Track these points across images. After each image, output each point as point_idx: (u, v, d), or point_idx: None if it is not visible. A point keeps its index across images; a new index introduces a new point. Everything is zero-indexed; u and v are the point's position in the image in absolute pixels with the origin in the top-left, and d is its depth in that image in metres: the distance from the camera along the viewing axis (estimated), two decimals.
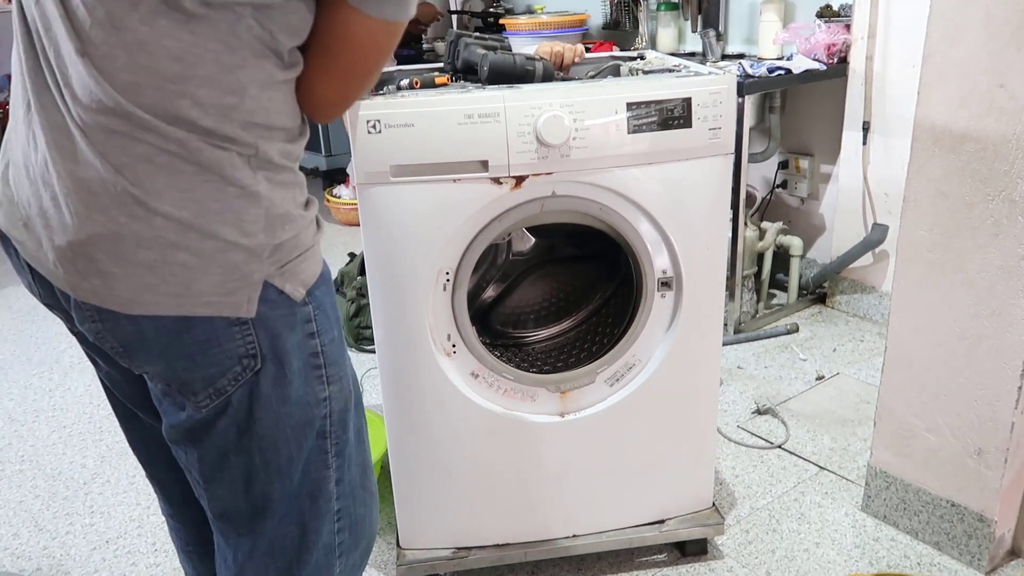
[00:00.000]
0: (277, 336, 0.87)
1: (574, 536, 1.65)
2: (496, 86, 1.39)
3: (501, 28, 3.41)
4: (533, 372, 1.57)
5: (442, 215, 1.36)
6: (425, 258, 1.39)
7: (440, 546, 1.62)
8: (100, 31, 0.75)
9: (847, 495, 1.91)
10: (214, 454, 0.92)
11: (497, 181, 1.35)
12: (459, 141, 1.32)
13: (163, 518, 2.00)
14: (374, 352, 1.90)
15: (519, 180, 1.36)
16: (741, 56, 2.88)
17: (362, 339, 2.76)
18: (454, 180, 1.34)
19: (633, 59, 1.69)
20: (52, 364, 2.81)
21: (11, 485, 2.13)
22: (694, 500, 1.69)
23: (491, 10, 3.97)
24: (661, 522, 1.68)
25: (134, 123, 0.77)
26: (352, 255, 3.12)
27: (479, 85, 1.42)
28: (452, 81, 1.50)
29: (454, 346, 1.47)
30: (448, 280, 1.42)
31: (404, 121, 1.29)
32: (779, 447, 2.12)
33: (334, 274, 3.11)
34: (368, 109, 1.29)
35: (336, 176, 4.56)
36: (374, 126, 1.29)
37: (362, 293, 2.78)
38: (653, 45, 3.21)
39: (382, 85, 1.47)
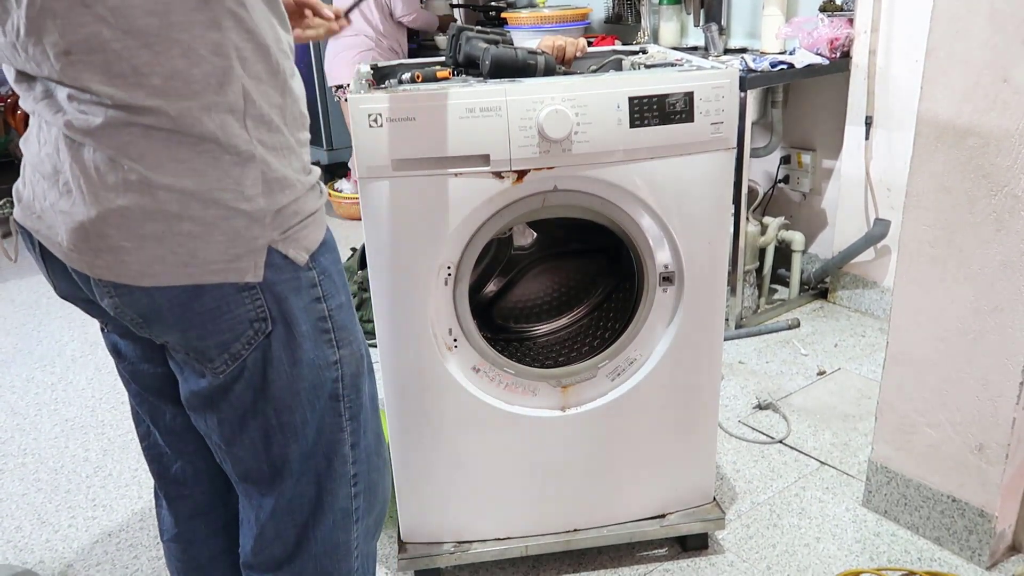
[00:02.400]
0: (284, 300, 0.91)
1: (575, 530, 1.65)
2: (498, 80, 1.38)
3: (503, 22, 3.40)
4: (535, 367, 1.57)
5: (444, 209, 1.36)
6: (426, 252, 1.38)
7: (441, 539, 1.62)
8: (78, 38, 0.79)
9: (848, 490, 1.92)
10: (233, 417, 0.96)
11: (499, 175, 1.35)
12: (461, 135, 1.31)
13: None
14: (375, 346, 1.90)
15: (521, 174, 1.36)
16: (743, 50, 2.87)
17: (364, 334, 2.76)
18: (455, 174, 1.34)
19: (635, 53, 1.69)
20: (54, 358, 2.82)
21: (14, 478, 2.14)
22: (695, 495, 1.69)
23: (493, 4, 3.96)
24: (662, 516, 1.68)
25: (130, 110, 0.81)
26: (354, 250, 3.12)
27: (481, 79, 1.42)
28: (453, 75, 1.50)
29: (455, 340, 1.47)
30: (450, 274, 1.42)
31: (405, 115, 1.29)
32: (780, 442, 2.12)
33: None
34: (370, 103, 1.29)
35: (338, 170, 4.56)
36: (375, 120, 1.29)
37: (364, 287, 2.77)
38: (655, 39, 3.20)
39: (384, 79, 1.47)
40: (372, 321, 1.47)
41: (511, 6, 3.85)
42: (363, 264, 2.83)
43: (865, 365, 2.49)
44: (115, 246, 0.84)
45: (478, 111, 1.31)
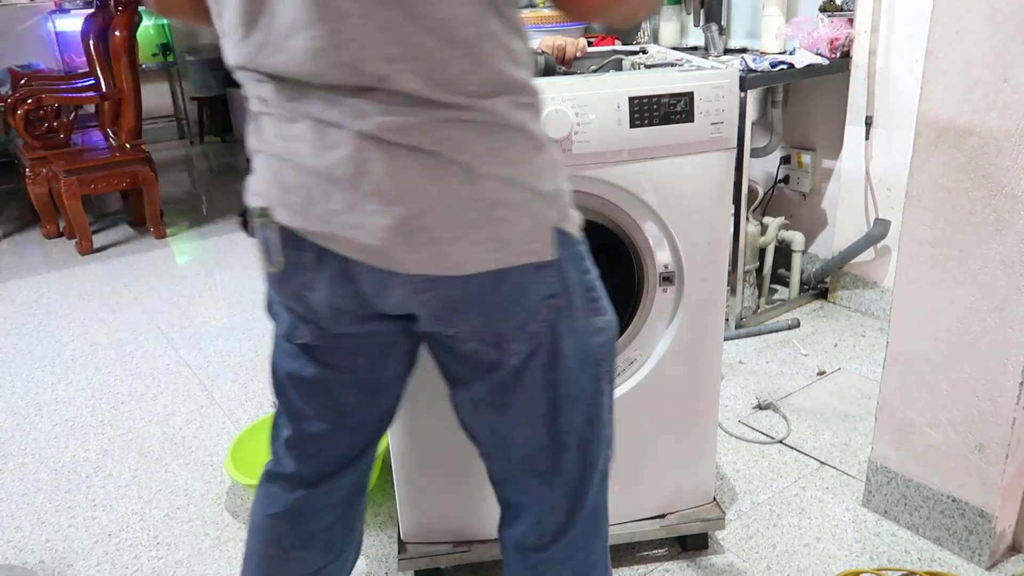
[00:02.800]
0: (568, 274, 0.96)
1: None
2: None
3: None
4: None
5: None
6: None
7: (441, 539, 1.62)
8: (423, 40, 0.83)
9: (848, 490, 1.92)
10: (522, 399, 0.99)
11: None
12: None
13: (166, 512, 2.01)
14: None
15: None
16: (743, 50, 2.87)
17: None
18: None
19: (635, 53, 1.69)
20: (54, 358, 2.82)
21: (14, 478, 2.14)
22: (695, 495, 1.69)
23: None
24: (662, 516, 1.68)
25: (447, 108, 0.84)
26: None
27: None
28: None
29: None
30: None
31: None
32: (780, 442, 2.12)
33: None
34: None
35: None
36: None
37: None
38: (655, 39, 3.20)
39: None
40: None
41: None
42: None
43: (865, 365, 2.49)
44: (437, 238, 0.87)
45: None
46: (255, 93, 0.93)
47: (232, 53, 0.92)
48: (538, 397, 0.99)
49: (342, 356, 1.06)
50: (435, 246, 0.87)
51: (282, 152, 0.92)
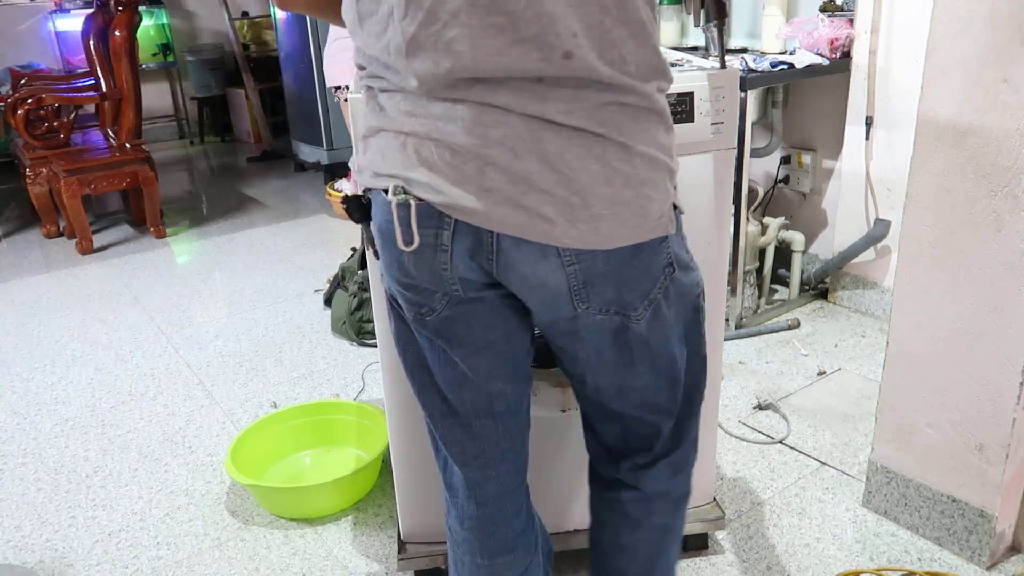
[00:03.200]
0: (678, 244, 1.04)
1: (575, 531, 1.65)
2: None
3: None
4: (534, 367, 1.56)
5: None
6: None
7: (441, 539, 1.62)
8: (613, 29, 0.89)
9: (848, 490, 1.92)
10: (647, 353, 1.07)
11: None
12: None
13: (166, 512, 2.00)
14: (376, 346, 1.90)
15: None
16: (744, 50, 2.87)
17: (364, 333, 2.76)
18: None
19: None
20: (54, 357, 2.82)
21: (14, 478, 2.14)
22: (695, 495, 1.68)
23: None
24: None
25: (613, 90, 0.90)
26: (354, 250, 3.12)
27: None
28: None
29: None
30: None
31: None
32: (780, 442, 2.12)
33: (335, 269, 3.11)
34: None
35: (338, 170, 4.57)
36: None
37: (364, 287, 2.77)
38: None
39: None
40: (372, 321, 1.47)
41: None
42: (363, 264, 2.83)
43: (865, 365, 2.49)
44: (596, 214, 0.91)
45: None
46: (383, 73, 0.94)
47: (378, 37, 0.92)
48: (659, 350, 1.07)
49: (465, 324, 1.07)
50: (593, 222, 0.91)
51: (421, 130, 0.92)
